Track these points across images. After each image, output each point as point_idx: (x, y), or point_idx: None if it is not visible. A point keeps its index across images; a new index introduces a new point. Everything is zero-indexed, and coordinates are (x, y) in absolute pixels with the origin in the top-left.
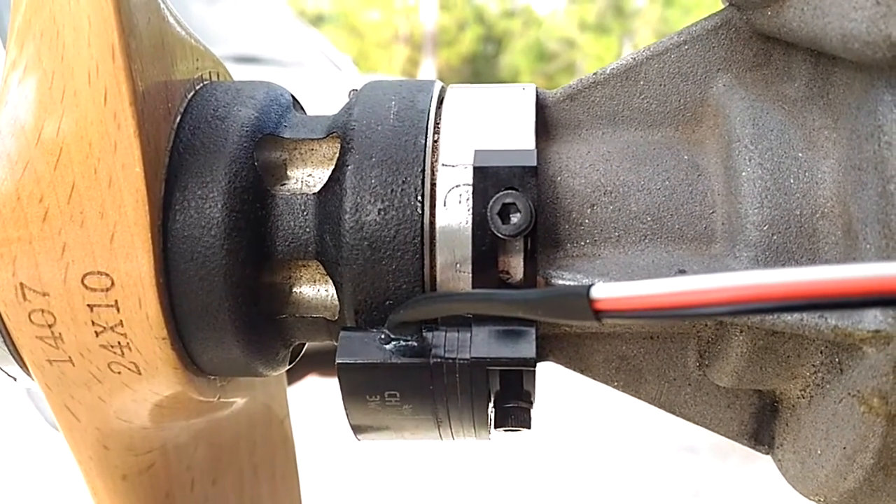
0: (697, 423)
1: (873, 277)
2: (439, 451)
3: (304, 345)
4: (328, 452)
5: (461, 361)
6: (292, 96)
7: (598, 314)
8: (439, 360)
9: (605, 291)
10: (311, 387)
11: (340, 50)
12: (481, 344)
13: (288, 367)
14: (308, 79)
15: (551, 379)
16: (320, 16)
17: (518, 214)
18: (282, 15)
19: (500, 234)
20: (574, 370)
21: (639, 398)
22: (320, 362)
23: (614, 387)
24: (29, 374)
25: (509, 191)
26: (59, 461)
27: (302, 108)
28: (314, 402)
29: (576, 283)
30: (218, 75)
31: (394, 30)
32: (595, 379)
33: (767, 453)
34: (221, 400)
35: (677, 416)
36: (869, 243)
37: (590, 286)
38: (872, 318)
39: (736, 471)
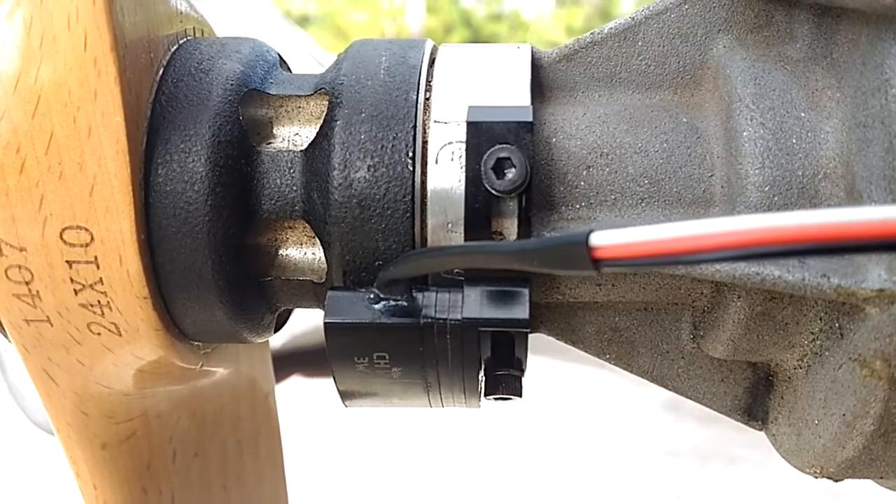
0: (690, 398)
1: (880, 221)
2: (428, 455)
3: (290, 312)
4: (312, 452)
5: (452, 322)
6: (279, 54)
7: (597, 263)
8: (430, 320)
9: (604, 238)
10: (296, 387)
11: (326, 50)
12: (473, 304)
13: (273, 334)
14: None
15: (531, 381)
16: (306, 16)
17: (513, 170)
18: (267, 15)
19: (494, 191)
20: (566, 342)
21: (631, 371)
22: (305, 362)
23: (606, 359)
24: (6, 336)
25: (504, 145)
26: (44, 462)
27: (289, 68)
28: (298, 402)
29: (573, 231)
30: (203, 32)
31: (380, 31)
32: (587, 351)
33: (761, 429)
34: (205, 368)
35: (670, 390)
36: (874, 201)
37: (589, 232)
38: (876, 277)
39: (717, 475)
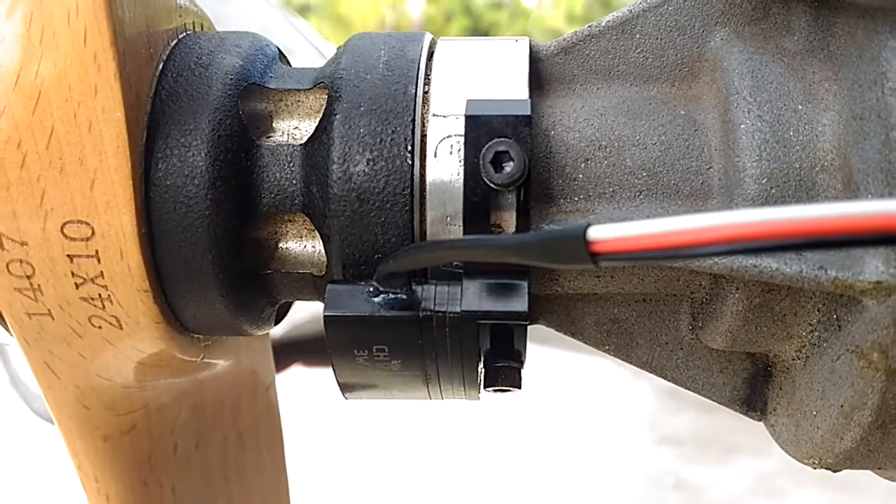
0: (689, 389)
1: (877, 214)
2: (429, 444)
3: (290, 304)
4: (313, 442)
5: (451, 315)
6: (278, 48)
7: (595, 256)
8: (429, 313)
9: (602, 232)
10: (297, 376)
11: (326, 39)
12: (472, 297)
13: (273, 326)
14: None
15: (533, 371)
16: (306, 5)
17: (511, 163)
18: (267, 4)
19: (492, 184)
20: (565, 333)
21: (630, 362)
22: (305, 351)
23: (605, 350)
24: (7, 329)
25: (502, 139)
26: (45, 452)
27: (288, 62)
28: (299, 392)
29: (571, 225)
30: (202, 26)
31: (380, 19)
32: (586, 343)
33: (759, 420)
34: (205, 360)
35: (669, 381)
36: (871, 193)
37: (586, 226)
38: (874, 269)
39: (716, 463)
